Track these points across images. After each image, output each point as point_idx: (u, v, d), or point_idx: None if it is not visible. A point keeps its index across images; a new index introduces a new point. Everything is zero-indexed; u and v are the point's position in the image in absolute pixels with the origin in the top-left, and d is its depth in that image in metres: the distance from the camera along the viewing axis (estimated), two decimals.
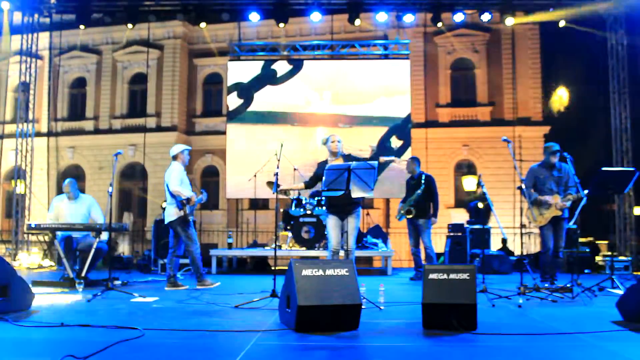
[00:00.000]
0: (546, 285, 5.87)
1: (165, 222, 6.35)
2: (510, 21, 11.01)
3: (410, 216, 7.32)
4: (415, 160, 7.54)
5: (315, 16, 11.08)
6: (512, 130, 16.14)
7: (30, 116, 12.41)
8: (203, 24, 11.43)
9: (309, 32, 17.09)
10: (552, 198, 6.09)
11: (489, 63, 17.65)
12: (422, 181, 7.22)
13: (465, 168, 17.77)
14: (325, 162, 5.37)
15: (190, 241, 6.27)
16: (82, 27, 11.54)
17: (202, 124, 19.51)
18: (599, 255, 10.16)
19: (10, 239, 12.23)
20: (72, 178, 7.21)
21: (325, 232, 5.55)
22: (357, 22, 11.06)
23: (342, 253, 5.41)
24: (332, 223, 5.35)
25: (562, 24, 11.02)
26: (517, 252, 9.99)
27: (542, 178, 6.23)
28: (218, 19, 11.74)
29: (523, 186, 5.60)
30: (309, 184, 5.57)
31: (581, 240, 9.67)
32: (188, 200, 6.22)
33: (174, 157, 6.39)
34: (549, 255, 6.17)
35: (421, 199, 7.25)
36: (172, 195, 6.22)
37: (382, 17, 11.17)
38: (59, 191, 16.77)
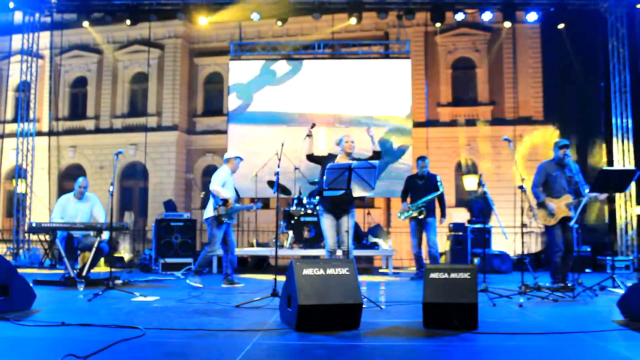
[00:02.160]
0: (547, 284, 5.85)
1: (203, 218, 6.67)
2: (508, 24, 11.01)
3: (423, 216, 7.39)
4: (425, 159, 7.68)
5: (316, 15, 11.07)
6: (513, 130, 16.11)
7: (31, 115, 12.41)
8: (204, 22, 11.42)
9: (309, 32, 17.06)
10: (556, 206, 5.92)
11: (489, 62, 17.61)
12: (439, 183, 7.45)
13: (466, 167, 17.74)
14: (336, 156, 5.45)
15: (213, 242, 6.49)
16: (86, 23, 11.54)
17: (203, 123, 19.47)
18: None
19: (11, 238, 12.24)
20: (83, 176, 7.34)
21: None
22: (353, 20, 11.04)
23: (339, 252, 5.44)
24: (327, 222, 5.38)
25: (561, 26, 11.05)
26: (511, 252, 9.95)
27: (553, 175, 6.01)
28: (219, 18, 11.73)
29: (524, 185, 5.57)
30: (314, 157, 5.54)
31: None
32: (225, 201, 6.43)
33: (227, 161, 6.76)
34: (561, 255, 5.96)
35: (431, 199, 7.43)
36: (213, 194, 6.51)
37: (382, 17, 11.15)
38: (60, 190, 16.69)
